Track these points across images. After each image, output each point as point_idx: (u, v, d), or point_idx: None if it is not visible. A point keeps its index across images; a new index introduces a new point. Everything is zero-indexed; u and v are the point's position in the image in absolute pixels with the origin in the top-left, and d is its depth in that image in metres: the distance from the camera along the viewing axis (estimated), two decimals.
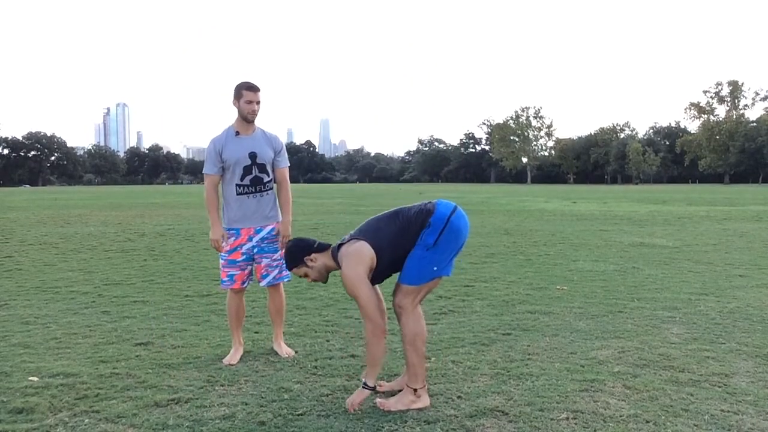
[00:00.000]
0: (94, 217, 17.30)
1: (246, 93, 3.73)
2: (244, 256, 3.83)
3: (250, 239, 3.82)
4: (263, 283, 3.90)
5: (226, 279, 3.87)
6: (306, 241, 3.22)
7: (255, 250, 3.84)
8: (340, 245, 3.09)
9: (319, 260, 3.13)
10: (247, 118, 3.76)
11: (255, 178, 3.79)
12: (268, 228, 3.85)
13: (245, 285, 3.90)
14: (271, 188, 3.89)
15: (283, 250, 3.86)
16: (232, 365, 3.70)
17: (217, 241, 3.81)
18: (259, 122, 3.89)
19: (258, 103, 3.75)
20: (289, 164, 3.99)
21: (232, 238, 3.81)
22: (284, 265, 3.83)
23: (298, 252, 3.17)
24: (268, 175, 3.84)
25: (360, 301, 2.95)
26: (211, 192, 3.84)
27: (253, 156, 3.77)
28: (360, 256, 2.97)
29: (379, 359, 3.00)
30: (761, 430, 2.74)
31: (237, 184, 3.79)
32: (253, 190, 3.80)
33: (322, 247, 3.17)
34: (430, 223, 2.99)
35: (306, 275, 3.17)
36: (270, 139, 3.88)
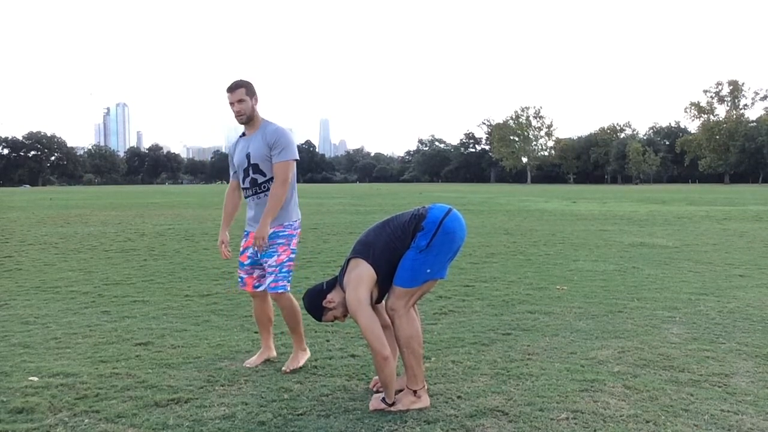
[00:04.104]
0: (94, 217, 17.30)
1: (227, 95, 3.60)
2: (249, 260, 3.72)
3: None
4: (260, 289, 3.74)
5: (239, 281, 3.83)
6: (314, 289, 3.16)
7: (258, 255, 3.68)
8: (342, 275, 3.09)
9: (336, 298, 3.08)
10: (237, 122, 3.67)
11: (251, 179, 3.65)
12: (270, 231, 3.62)
13: (259, 289, 3.75)
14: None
15: (277, 258, 3.59)
16: (248, 366, 3.66)
17: (219, 245, 3.85)
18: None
19: (239, 102, 3.56)
20: (288, 158, 3.57)
21: (243, 240, 3.76)
22: (279, 275, 3.60)
23: (314, 303, 3.12)
24: (264, 175, 3.61)
25: (360, 325, 2.95)
26: (227, 195, 3.88)
27: (248, 157, 3.64)
28: (359, 278, 2.97)
29: (389, 382, 2.96)
30: (761, 430, 2.74)
31: (242, 188, 3.76)
32: (252, 192, 3.67)
33: (331, 285, 3.14)
34: (423, 227, 2.99)
35: (336, 318, 3.13)
36: (266, 134, 3.60)
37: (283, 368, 3.59)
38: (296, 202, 3.76)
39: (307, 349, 3.83)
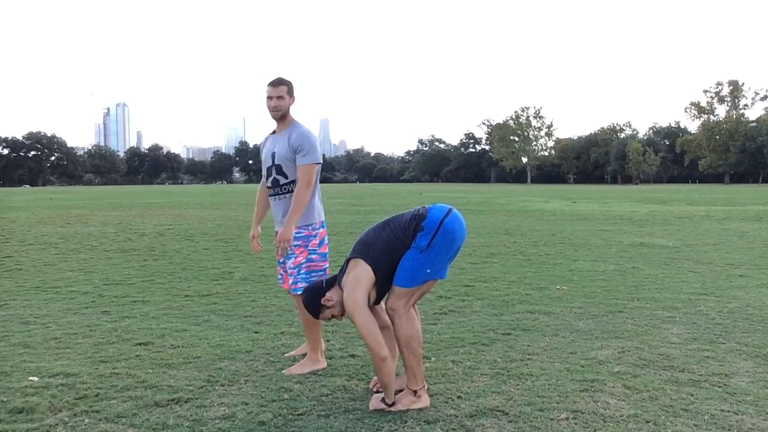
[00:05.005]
0: (94, 217, 17.29)
1: (266, 89, 3.63)
2: (284, 258, 3.73)
3: None
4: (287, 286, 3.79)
5: (279, 278, 3.90)
6: (313, 287, 3.16)
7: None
8: (342, 274, 3.09)
9: (334, 297, 3.07)
10: (270, 116, 3.68)
11: (274, 179, 3.68)
12: None
13: None
14: (292, 191, 3.65)
15: (294, 260, 3.59)
16: (287, 356, 3.81)
17: (251, 238, 3.94)
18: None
19: (278, 98, 3.60)
20: (312, 162, 3.58)
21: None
22: (298, 276, 3.60)
23: (312, 300, 3.11)
24: (286, 177, 3.63)
25: (357, 326, 2.95)
26: (259, 192, 3.92)
27: (273, 156, 3.67)
28: (357, 279, 2.97)
29: (388, 382, 2.96)
30: (761, 430, 2.74)
31: (266, 186, 3.78)
32: (273, 192, 3.70)
33: (330, 284, 3.13)
34: (423, 227, 2.99)
35: (334, 316, 3.12)
36: (292, 137, 3.61)
37: (284, 371, 3.58)
38: (317, 203, 3.70)
39: (322, 360, 3.67)
